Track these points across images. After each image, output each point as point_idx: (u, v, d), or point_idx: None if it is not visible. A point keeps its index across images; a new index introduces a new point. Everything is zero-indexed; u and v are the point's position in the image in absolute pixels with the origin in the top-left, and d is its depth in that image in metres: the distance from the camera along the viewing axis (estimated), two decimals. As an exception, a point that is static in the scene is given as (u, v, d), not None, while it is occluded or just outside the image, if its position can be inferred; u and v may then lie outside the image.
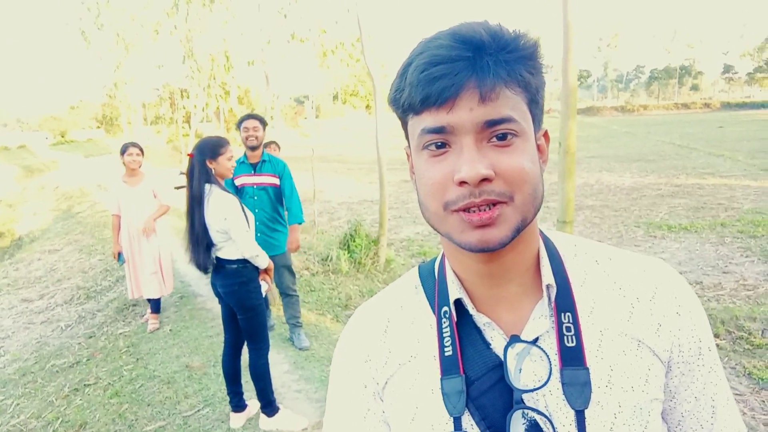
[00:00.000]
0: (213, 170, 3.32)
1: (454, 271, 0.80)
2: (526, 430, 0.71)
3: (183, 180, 3.44)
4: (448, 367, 0.75)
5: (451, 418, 0.73)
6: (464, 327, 0.77)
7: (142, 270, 5.40)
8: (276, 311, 5.52)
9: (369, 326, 0.85)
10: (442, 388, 0.75)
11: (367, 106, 61.68)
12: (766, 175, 13.66)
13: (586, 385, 0.71)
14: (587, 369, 0.71)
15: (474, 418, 0.73)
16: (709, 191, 11.98)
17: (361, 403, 0.82)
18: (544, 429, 0.71)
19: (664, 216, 9.77)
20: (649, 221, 9.41)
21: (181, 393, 4.09)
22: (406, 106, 0.71)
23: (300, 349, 4.81)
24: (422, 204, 0.74)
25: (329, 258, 7.05)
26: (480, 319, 0.77)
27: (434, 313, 0.80)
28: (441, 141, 0.69)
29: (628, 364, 0.73)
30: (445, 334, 0.77)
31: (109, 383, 4.39)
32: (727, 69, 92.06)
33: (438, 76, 0.66)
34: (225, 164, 3.35)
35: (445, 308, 0.78)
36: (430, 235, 9.28)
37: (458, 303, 0.78)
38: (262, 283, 3.52)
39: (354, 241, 7.24)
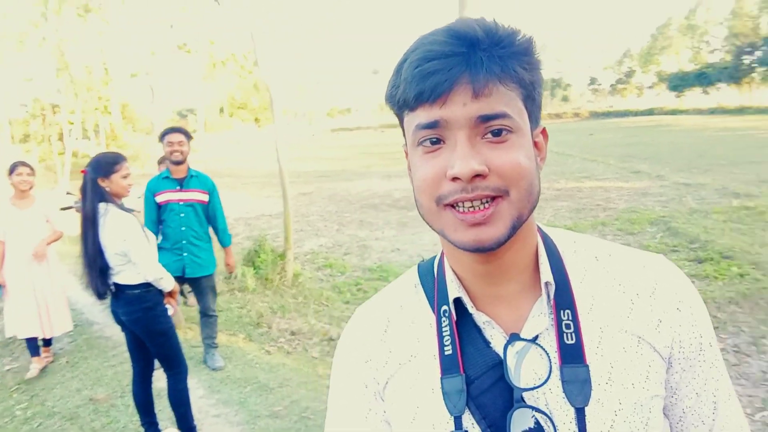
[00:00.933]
0: (107, 189, 3.13)
1: (453, 270, 0.80)
2: (526, 428, 0.70)
3: (69, 200, 3.23)
4: (448, 366, 0.75)
5: (452, 418, 0.73)
6: (464, 326, 0.77)
7: (26, 304, 4.80)
8: (182, 335, 5.27)
9: (369, 326, 0.85)
10: (442, 388, 0.74)
11: (257, 119, 60.49)
12: (636, 177, 14.91)
13: (586, 382, 0.71)
14: (587, 366, 0.71)
15: (474, 417, 0.73)
16: (588, 194, 12.87)
17: (363, 404, 0.81)
18: (545, 427, 0.70)
19: (550, 218, 10.37)
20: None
21: (87, 428, 3.80)
22: (401, 102, 0.71)
23: (214, 369, 4.64)
24: (416, 201, 0.74)
25: (233, 276, 6.84)
26: (480, 318, 0.76)
27: (434, 312, 0.80)
28: (435, 136, 0.69)
29: (629, 360, 0.73)
30: (444, 333, 0.76)
31: (0, 425, 3.98)
32: (592, 81, 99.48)
33: (431, 72, 0.67)
34: (119, 183, 3.16)
35: (445, 307, 0.78)
36: (333, 246, 9.27)
37: (458, 302, 0.78)
38: (167, 306, 3.35)
39: (259, 256, 7.07)
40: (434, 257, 0.87)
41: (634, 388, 0.72)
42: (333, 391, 0.86)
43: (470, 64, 0.66)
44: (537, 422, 0.71)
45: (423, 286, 0.84)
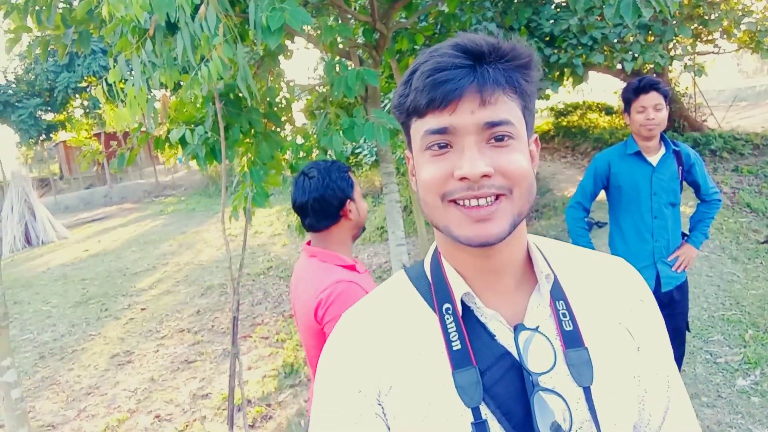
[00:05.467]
0: None
1: (453, 268, 0.84)
2: (542, 410, 0.75)
3: None
4: (459, 361, 0.77)
5: (467, 410, 0.75)
6: (467, 321, 0.80)
7: None
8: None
9: (362, 331, 0.85)
10: (455, 382, 0.76)
11: None
12: None
13: (588, 363, 0.78)
14: (587, 349, 0.79)
15: (489, 407, 0.75)
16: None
17: (353, 409, 0.80)
18: (553, 408, 0.75)
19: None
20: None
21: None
22: (410, 109, 0.77)
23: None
24: (422, 200, 0.79)
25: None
26: (486, 312, 0.80)
27: (435, 310, 0.82)
28: (443, 141, 0.74)
29: (616, 343, 0.82)
30: (450, 330, 0.79)
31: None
32: None
33: (442, 81, 0.72)
34: None
35: (447, 305, 0.81)
36: None
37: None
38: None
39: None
40: (421, 261, 0.91)
41: (624, 368, 0.81)
42: (320, 397, 0.84)
43: (478, 75, 0.72)
44: (546, 403, 0.75)
45: (417, 288, 0.86)
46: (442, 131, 0.73)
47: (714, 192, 3.07)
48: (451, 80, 0.72)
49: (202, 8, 2.48)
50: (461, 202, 0.74)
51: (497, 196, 0.73)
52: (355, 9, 4.54)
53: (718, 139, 9.06)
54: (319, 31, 3.63)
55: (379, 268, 7.71)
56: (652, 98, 2.76)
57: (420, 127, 0.76)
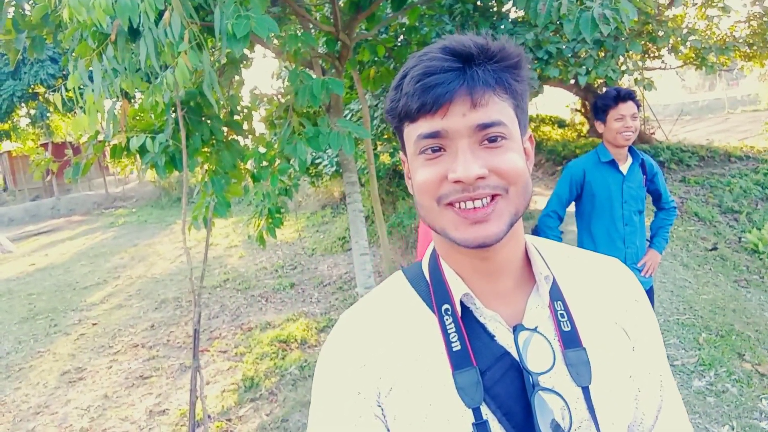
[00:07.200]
0: None
1: (452, 269, 0.83)
2: (542, 409, 0.75)
3: None
4: (459, 362, 0.77)
5: (468, 410, 0.75)
6: (466, 322, 0.80)
7: None
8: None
9: (361, 332, 0.84)
10: (455, 382, 0.76)
11: None
12: None
13: (587, 363, 0.78)
14: (585, 349, 0.79)
15: (490, 407, 0.76)
16: None
17: (353, 410, 0.80)
18: (552, 407, 0.75)
19: None
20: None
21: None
22: (402, 114, 0.77)
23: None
24: (418, 203, 0.80)
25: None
26: (486, 313, 0.80)
27: (434, 311, 0.82)
28: (436, 145, 0.74)
29: (612, 343, 0.83)
30: (449, 330, 0.79)
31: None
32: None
33: (432, 85, 0.72)
34: None
35: (446, 306, 0.81)
36: None
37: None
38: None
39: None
40: (419, 263, 0.90)
41: (621, 367, 0.82)
42: (319, 399, 0.83)
43: (467, 77, 0.72)
44: (545, 403, 0.76)
45: (416, 289, 0.86)
46: (434, 135, 0.74)
47: (672, 200, 3.22)
48: (441, 84, 0.72)
49: (167, 14, 2.44)
50: (457, 205, 0.74)
51: (493, 197, 0.73)
52: (316, 19, 4.55)
53: (666, 151, 9.43)
54: (281, 40, 3.62)
55: (339, 279, 7.67)
56: (630, 107, 2.86)
57: (413, 131, 0.77)
